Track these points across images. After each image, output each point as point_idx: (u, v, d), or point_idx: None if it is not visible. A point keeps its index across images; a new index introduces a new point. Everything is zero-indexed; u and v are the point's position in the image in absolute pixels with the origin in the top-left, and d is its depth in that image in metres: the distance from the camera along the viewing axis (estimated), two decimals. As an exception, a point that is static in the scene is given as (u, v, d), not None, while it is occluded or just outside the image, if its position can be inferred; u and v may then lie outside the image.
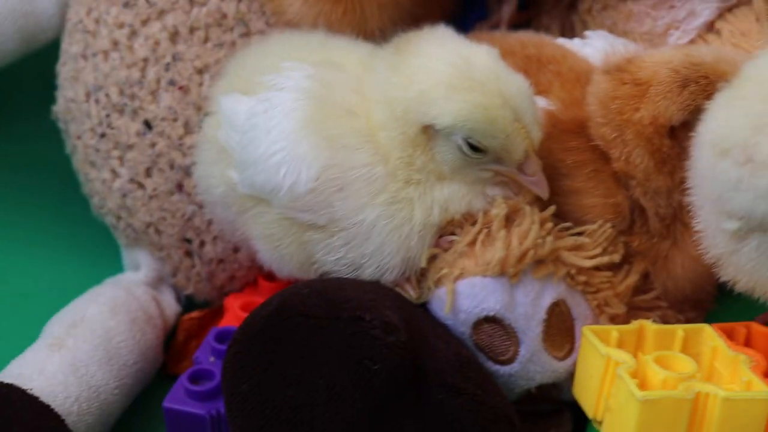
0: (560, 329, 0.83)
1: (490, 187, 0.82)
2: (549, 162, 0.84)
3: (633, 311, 0.86)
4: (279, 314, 0.75)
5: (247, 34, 0.96)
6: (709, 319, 0.88)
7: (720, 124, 0.76)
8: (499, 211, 0.80)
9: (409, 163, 0.80)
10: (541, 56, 0.89)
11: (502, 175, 0.81)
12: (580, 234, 0.84)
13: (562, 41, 0.93)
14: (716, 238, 0.78)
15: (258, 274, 0.96)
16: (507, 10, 1.01)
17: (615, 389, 0.77)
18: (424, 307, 0.83)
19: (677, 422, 0.75)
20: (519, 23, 1.04)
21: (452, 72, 0.78)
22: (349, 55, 0.84)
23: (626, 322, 0.84)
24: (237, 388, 0.74)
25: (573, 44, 0.92)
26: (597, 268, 0.84)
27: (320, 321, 0.74)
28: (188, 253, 0.97)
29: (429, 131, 0.79)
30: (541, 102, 0.86)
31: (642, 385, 0.78)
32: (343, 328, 0.73)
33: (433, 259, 0.81)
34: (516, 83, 0.79)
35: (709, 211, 0.77)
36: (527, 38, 0.92)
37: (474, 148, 0.79)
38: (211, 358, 0.86)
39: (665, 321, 0.87)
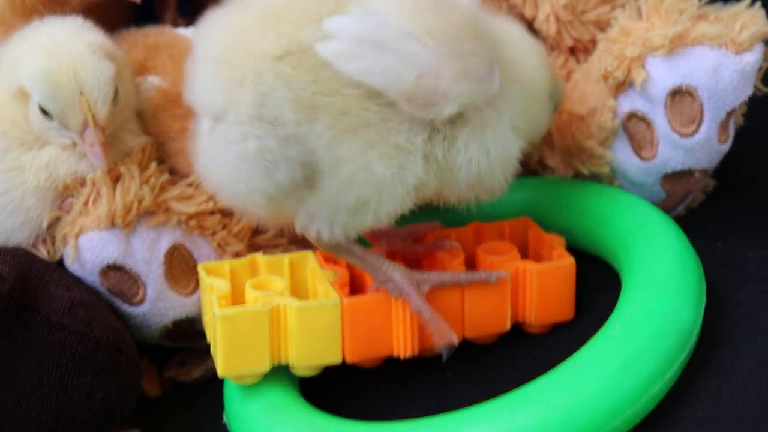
0: (183, 269, 0.94)
1: None
2: (161, 129, 0.97)
3: (258, 249, 0.96)
4: None
5: None
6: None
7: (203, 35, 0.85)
8: (101, 172, 0.92)
9: (19, 127, 0.91)
10: (159, 43, 1.01)
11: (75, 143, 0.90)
12: (190, 186, 0.95)
13: (180, 30, 1.03)
14: (197, 141, 0.85)
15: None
16: (169, 17, 1.13)
17: (211, 311, 0.88)
18: (61, 263, 0.93)
19: (260, 332, 0.86)
20: (187, 25, 1.11)
21: (39, 42, 0.90)
22: None
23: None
24: None
25: (187, 32, 1.02)
26: (211, 213, 0.95)
27: None
28: None
29: (24, 95, 0.90)
30: (156, 80, 0.98)
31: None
32: None
33: (58, 221, 0.93)
34: (99, 68, 0.89)
35: (200, 117, 0.85)
36: (150, 30, 1.03)
37: (43, 113, 0.89)
38: None
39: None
